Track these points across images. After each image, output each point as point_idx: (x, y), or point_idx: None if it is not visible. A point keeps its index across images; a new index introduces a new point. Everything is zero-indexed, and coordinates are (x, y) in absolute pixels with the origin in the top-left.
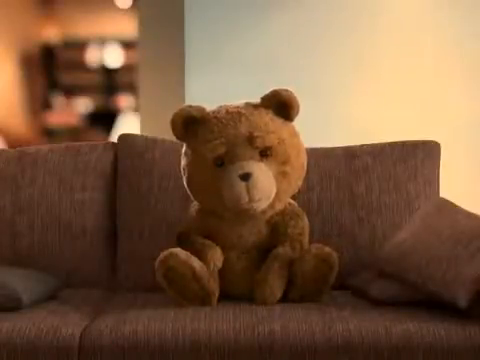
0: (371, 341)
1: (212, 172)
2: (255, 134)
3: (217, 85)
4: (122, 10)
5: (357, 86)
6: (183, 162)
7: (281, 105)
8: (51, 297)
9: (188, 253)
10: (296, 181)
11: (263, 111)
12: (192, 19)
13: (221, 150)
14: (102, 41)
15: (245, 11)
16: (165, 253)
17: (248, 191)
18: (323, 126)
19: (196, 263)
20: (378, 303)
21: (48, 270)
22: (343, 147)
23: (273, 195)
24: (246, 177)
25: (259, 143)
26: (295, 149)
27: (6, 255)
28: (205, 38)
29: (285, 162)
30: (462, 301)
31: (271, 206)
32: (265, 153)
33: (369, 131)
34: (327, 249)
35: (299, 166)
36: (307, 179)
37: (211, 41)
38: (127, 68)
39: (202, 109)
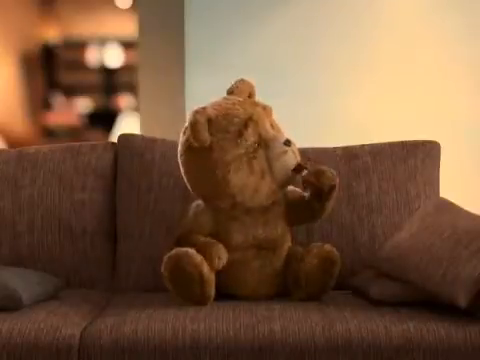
0: (371, 341)
1: (255, 157)
2: (262, 104)
3: (217, 85)
4: (122, 10)
5: (357, 86)
6: (212, 157)
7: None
8: (51, 297)
9: (202, 257)
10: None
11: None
12: (192, 19)
13: (253, 126)
14: (102, 41)
15: (245, 11)
16: (179, 252)
17: (295, 155)
18: (323, 126)
19: (206, 269)
20: (378, 303)
21: (48, 270)
22: (343, 147)
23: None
24: (289, 142)
25: (268, 110)
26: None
27: (6, 255)
28: (205, 38)
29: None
30: (462, 301)
31: None
32: (273, 125)
33: (369, 131)
34: (327, 246)
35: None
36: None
37: (211, 41)
38: (127, 68)
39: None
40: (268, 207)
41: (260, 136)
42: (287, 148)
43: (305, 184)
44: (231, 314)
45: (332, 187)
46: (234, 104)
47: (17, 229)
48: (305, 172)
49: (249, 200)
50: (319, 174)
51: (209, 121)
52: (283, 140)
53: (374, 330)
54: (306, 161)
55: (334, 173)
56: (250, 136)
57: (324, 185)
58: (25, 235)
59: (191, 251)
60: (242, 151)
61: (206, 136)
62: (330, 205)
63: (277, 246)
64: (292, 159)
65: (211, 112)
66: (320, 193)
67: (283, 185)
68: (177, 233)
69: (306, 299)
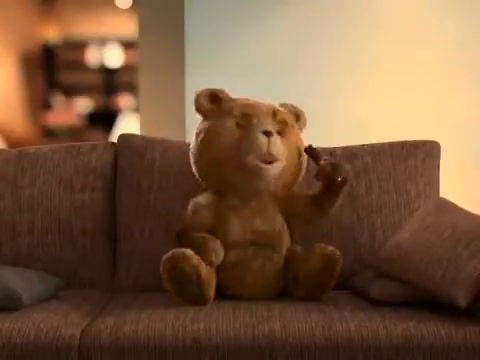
0: (371, 341)
1: (233, 130)
2: (277, 109)
3: (217, 85)
4: (122, 10)
5: (357, 86)
6: (201, 126)
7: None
8: (51, 297)
9: (199, 258)
10: (297, 174)
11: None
12: (192, 19)
13: (248, 111)
14: (102, 41)
15: (245, 11)
16: (177, 253)
17: (268, 145)
18: (323, 126)
19: (204, 270)
20: (378, 303)
21: (48, 270)
22: (343, 147)
23: (282, 166)
24: (269, 134)
25: (280, 117)
26: (301, 144)
27: (6, 255)
28: (205, 38)
29: (292, 150)
30: (462, 301)
31: (274, 185)
32: (281, 133)
33: (369, 131)
34: (329, 248)
35: (301, 161)
36: (307, 179)
37: (211, 41)
38: (127, 68)
39: (225, 91)
40: (263, 198)
41: (250, 116)
42: (263, 137)
43: (319, 173)
44: (231, 314)
45: (344, 180)
46: (257, 103)
47: (17, 229)
48: (323, 160)
49: (233, 161)
50: (335, 166)
51: (213, 96)
52: (265, 129)
53: (374, 330)
54: (326, 156)
55: (348, 169)
56: (236, 111)
57: (337, 176)
58: (25, 235)
59: (189, 252)
60: (229, 124)
61: (206, 106)
62: (338, 201)
63: (276, 243)
64: (264, 147)
65: (218, 91)
66: (331, 185)
67: (250, 169)
68: (177, 228)
69: (306, 299)
